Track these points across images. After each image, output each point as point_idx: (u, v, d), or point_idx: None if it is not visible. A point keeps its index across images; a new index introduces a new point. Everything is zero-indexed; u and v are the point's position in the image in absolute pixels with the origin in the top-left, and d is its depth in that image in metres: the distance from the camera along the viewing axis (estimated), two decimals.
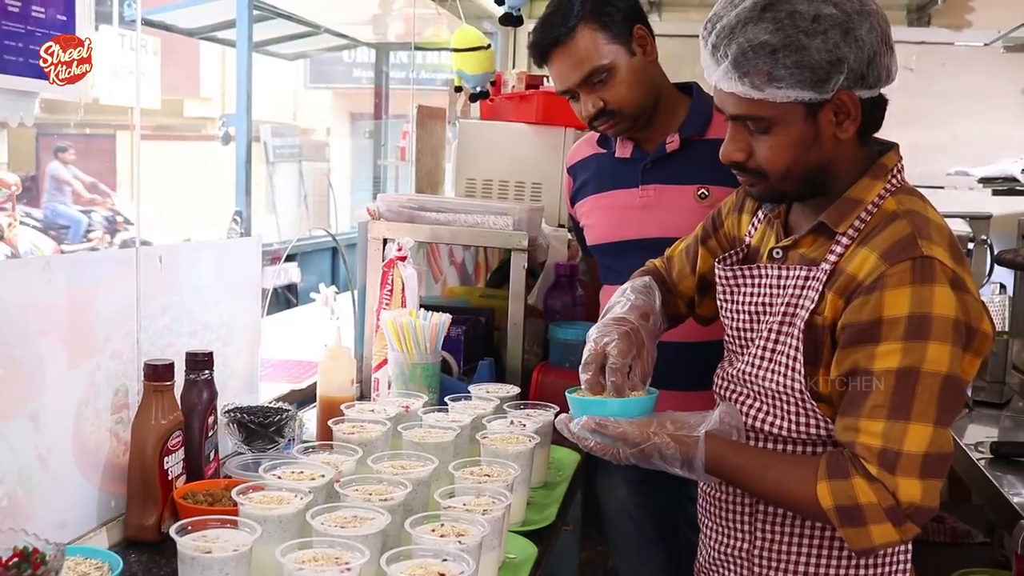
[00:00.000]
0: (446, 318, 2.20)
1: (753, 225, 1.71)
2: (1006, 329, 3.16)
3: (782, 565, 1.59)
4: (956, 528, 2.98)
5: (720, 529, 1.68)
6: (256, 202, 9.44)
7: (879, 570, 1.57)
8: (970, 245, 3.24)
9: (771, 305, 1.57)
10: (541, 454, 1.92)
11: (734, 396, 1.63)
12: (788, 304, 1.53)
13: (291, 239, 7.63)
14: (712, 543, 1.70)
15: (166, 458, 1.62)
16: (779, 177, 1.52)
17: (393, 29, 8.00)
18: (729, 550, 1.66)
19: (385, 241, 2.44)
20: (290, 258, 6.61)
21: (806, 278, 1.52)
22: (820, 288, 1.48)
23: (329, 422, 1.80)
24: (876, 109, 1.50)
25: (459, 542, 1.33)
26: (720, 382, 1.68)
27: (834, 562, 1.56)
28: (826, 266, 1.49)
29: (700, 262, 1.82)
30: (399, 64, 10.13)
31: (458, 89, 3.35)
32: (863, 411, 1.41)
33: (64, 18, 1.52)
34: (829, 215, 1.52)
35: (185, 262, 1.84)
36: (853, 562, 1.56)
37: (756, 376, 1.57)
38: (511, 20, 3.04)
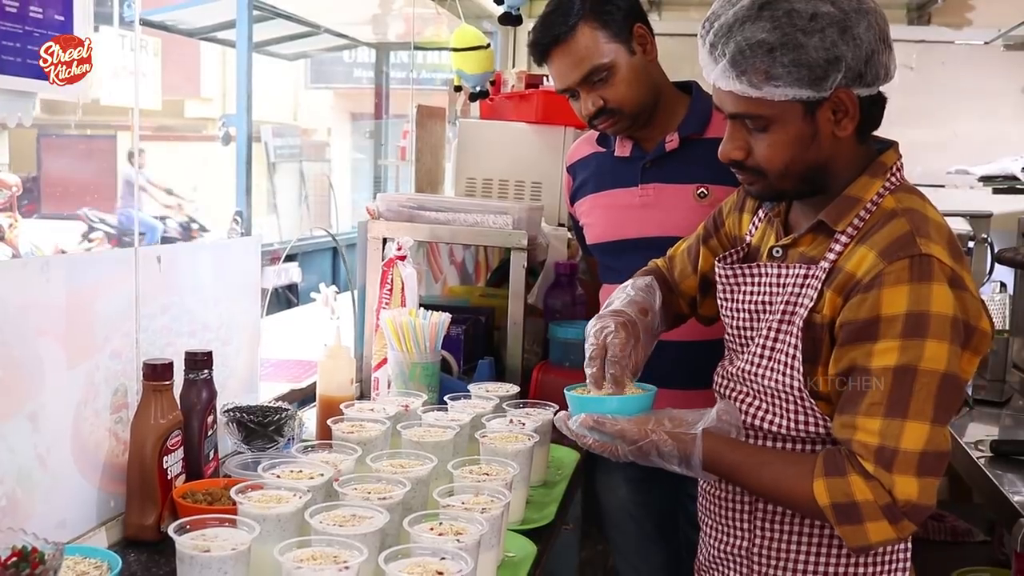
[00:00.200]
0: (445, 317, 2.20)
1: (754, 224, 1.71)
2: (1006, 328, 3.16)
3: (782, 563, 1.59)
4: (956, 527, 2.98)
5: (720, 527, 1.68)
6: (257, 203, 9.45)
7: (878, 568, 1.57)
8: (970, 244, 3.24)
9: (771, 304, 1.57)
10: (540, 453, 1.92)
11: (734, 395, 1.63)
12: (787, 302, 1.53)
13: (292, 239, 7.63)
14: (712, 541, 1.70)
15: (165, 457, 1.62)
16: (778, 175, 1.52)
17: (393, 29, 8.00)
18: (729, 548, 1.66)
19: (385, 240, 2.44)
20: (291, 258, 6.61)
21: (805, 276, 1.52)
22: (819, 286, 1.49)
23: (328, 421, 1.80)
24: (875, 107, 1.50)
25: (457, 540, 1.33)
26: (720, 380, 1.69)
27: (833, 560, 1.56)
28: (825, 264, 1.49)
29: (702, 261, 1.82)
30: (399, 64, 10.13)
31: (458, 88, 3.35)
32: (860, 409, 1.41)
33: (62, 18, 1.52)
34: (828, 213, 1.52)
35: (184, 262, 1.84)
36: (852, 560, 1.56)
37: (755, 374, 1.57)
38: (510, 19, 3.04)
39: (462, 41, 3.14)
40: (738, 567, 1.65)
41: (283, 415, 1.89)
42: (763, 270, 1.60)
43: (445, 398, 2.01)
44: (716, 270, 1.69)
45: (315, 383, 2.14)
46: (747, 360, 1.59)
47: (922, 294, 1.39)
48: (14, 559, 1.18)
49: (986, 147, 3.99)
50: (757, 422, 1.57)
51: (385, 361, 2.23)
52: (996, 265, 3.22)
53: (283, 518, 1.39)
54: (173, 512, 1.59)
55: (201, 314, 1.89)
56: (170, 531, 1.31)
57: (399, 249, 2.32)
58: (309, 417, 2.19)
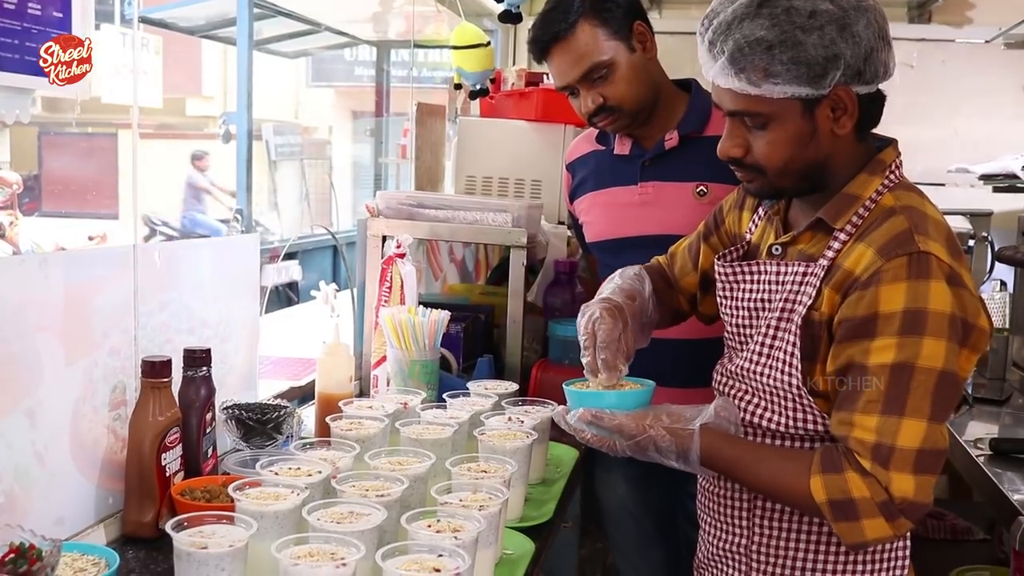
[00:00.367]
0: (444, 315, 2.20)
1: (754, 222, 1.71)
2: (1006, 326, 3.16)
3: (780, 560, 1.59)
4: (956, 525, 2.98)
5: (719, 525, 1.68)
6: (259, 201, 9.45)
7: (877, 567, 1.57)
8: (971, 242, 3.23)
9: (770, 301, 1.57)
10: (539, 450, 1.92)
11: (733, 392, 1.63)
12: (786, 300, 1.53)
13: (294, 238, 7.64)
14: (711, 539, 1.70)
15: (164, 455, 1.62)
16: (776, 173, 1.52)
17: (394, 27, 8.00)
18: (728, 546, 1.66)
19: (384, 238, 2.44)
20: (292, 256, 6.61)
21: (804, 274, 1.52)
22: (818, 284, 1.48)
23: (327, 419, 1.80)
24: (874, 105, 1.50)
25: (455, 537, 1.33)
26: (719, 378, 1.69)
27: (832, 558, 1.56)
28: (824, 262, 1.49)
29: (702, 258, 1.82)
30: (400, 62, 10.13)
31: (458, 86, 3.35)
32: (857, 406, 1.41)
33: (60, 15, 1.52)
34: (827, 211, 1.52)
35: (183, 259, 1.84)
36: (851, 558, 1.56)
37: (754, 372, 1.57)
38: (510, 17, 3.04)
39: (462, 39, 3.14)
40: (737, 564, 1.65)
41: (282, 412, 1.89)
42: (762, 268, 1.60)
43: (444, 396, 2.01)
44: (716, 268, 1.69)
45: (315, 381, 2.14)
46: (746, 358, 1.59)
47: (920, 291, 1.38)
48: (11, 556, 1.18)
49: (986, 145, 3.99)
50: (756, 420, 1.57)
51: (384, 359, 2.23)
52: (996, 264, 3.22)
53: (280, 515, 1.39)
54: (171, 509, 1.58)
55: (200, 311, 1.89)
56: (167, 528, 1.31)
57: (398, 247, 2.32)
58: (308, 415, 2.19)
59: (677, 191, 2.18)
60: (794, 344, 1.50)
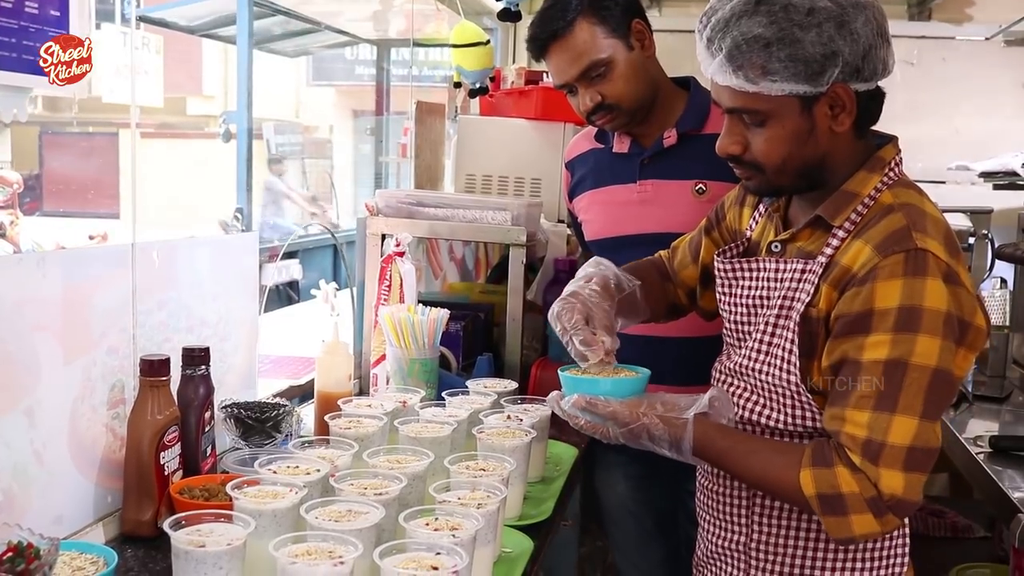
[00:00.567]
0: (444, 313, 2.20)
1: (754, 219, 1.71)
2: (1007, 324, 3.15)
3: (779, 558, 1.59)
4: (957, 523, 2.98)
5: (717, 522, 1.68)
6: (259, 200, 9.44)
7: (876, 564, 1.56)
8: (971, 240, 3.22)
9: (769, 298, 1.57)
10: (538, 449, 1.92)
11: (731, 389, 1.63)
12: (785, 297, 1.53)
13: (294, 237, 7.62)
14: (710, 536, 1.70)
15: (162, 453, 1.62)
16: (775, 170, 1.51)
17: (394, 26, 8.01)
18: (726, 543, 1.66)
19: (384, 237, 2.44)
20: (292, 255, 6.61)
21: (802, 271, 1.52)
22: (816, 281, 1.48)
23: (326, 417, 1.80)
24: (872, 102, 1.50)
25: (453, 536, 1.33)
26: (718, 375, 1.69)
27: (831, 555, 1.56)
28: (822, 259, 1.49)
29: (703, 252, 1.82)
30: (400, 61, 10.13)
31: (457, 85, 3.35)
32: (850, 401, 1.41)
33: (58, 14, 1.52)
34: (825, 208, 1.52)
35: (182, 258, 1.84)
36: (850, 555, 1.56)
37: (753, 369, 1.57)
38: (510, 16, 3.04)
39: (462, 37, 3.14)
40: (735, 562, 1.65)
41: (281, 411, 1.89)
42: (761, 265, 1.60)
43: (443, 394, 2.01)
44: (715, 264, 1.69)
45: (314, 379, 2.14)
46: (744, 355, 1.59)
47: (916, 289, 1.38)
48: (9, 554, 1.18)
49: (987, 143, 3.98)
50: (754, 416, 1.57)
51: (384, 357, 2.23)
52: (996, 261, 3.21)
53: (279, 513, 1.39)
54: (170, 508, 1.58)
55: (199, 310, 1.89)
56: (165, 526, 1.31)
57: (398, 245, 2.32)
58: (307, 413, 2.19)
59: (676, 189, 2.18)
60: (792, 341, 1.50)
